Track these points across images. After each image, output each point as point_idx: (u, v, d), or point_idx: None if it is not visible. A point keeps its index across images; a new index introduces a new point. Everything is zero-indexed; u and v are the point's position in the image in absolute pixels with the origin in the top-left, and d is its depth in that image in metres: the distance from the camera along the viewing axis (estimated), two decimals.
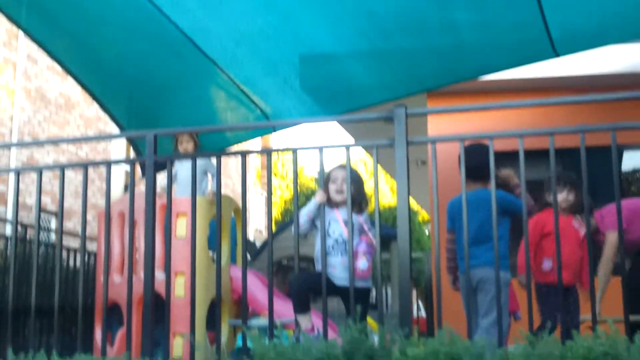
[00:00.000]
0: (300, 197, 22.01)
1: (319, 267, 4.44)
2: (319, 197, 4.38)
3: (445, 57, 6.10)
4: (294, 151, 4.01)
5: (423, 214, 23.42)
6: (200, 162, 6.47)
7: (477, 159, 4.14)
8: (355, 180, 4.53)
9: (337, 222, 4.51)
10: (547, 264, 5.03)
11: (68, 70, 6.81)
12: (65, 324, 6.22)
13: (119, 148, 13.61)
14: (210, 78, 6.65)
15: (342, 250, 4.48)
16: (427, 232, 23.88)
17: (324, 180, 4.45)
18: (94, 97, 7.18)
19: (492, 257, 3.74)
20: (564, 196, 5.23)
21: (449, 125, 7.50)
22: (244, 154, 4.12)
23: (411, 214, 3.85)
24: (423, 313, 15.55)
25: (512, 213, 4.50)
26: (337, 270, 4.44)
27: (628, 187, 7.88)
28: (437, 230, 3.88)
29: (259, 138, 13.70)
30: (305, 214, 4.53)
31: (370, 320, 5.14)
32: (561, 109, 6.97)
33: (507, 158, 4.60)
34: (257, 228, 19.88)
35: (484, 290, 4.41)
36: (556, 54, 5.92)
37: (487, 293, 4.38)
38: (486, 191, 4.31)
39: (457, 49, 5.91)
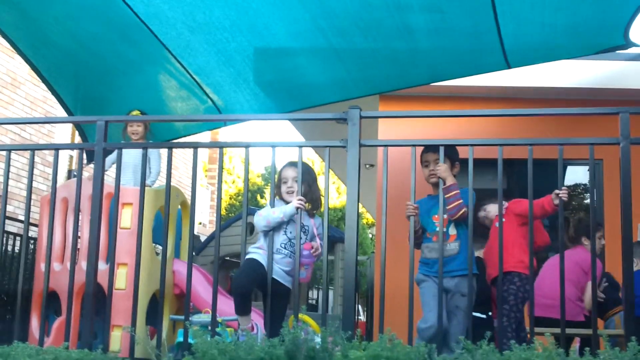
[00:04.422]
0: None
1: (256, 252, 4.42)
2: (297, 204, 4.18)
3: (400, 61, 6.16)
4: (246, 147, 3.98)
5: (367, 217, 23.54)
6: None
7: None
8: (308, 179, 4.46)
9: (294, 224, 4.40)
10: None
11: (16, 47, 6.62)
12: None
13: (64, 131, 13.32)
14: (162, 65, 6.56)
15: (291, 252, 4.41)
16: (370, 235, 24.01)
17: (276, 178, 4.39)
18: (42, 77, 7.00)
19: None
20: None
21: (399, 128, 7.55)
22: (195, 147, 4.06)
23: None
24: (362, 317, 15.60)
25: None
26: (278, 267, 4.37)
27: (569, 200, 8.04)
28: (384, 234, 3.90)
29: (208, 131, 13.62)
30: (264, 218, 4.32)
31: (311, 321, 5.12)
32: (512, 119, 7.08)
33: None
34: (200, 222, 19.71)
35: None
36: (508, 65, 6.04)
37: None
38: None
39: (412, 54, 5.98)
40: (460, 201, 4.24)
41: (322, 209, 4.51)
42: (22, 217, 9.06)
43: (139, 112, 6.58)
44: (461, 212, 4.22)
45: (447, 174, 4.28)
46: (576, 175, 8.24)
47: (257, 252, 4.41)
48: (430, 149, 4.42)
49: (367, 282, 10.55)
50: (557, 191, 4.09)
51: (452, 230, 4.29)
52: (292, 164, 4.48)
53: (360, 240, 22.39)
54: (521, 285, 4.82)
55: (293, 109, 7.03)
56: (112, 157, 5.61)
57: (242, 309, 4.28)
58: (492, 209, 5.31)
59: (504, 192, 3.97)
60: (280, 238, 4.36)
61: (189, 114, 7.31)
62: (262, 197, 25.31)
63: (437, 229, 4.18)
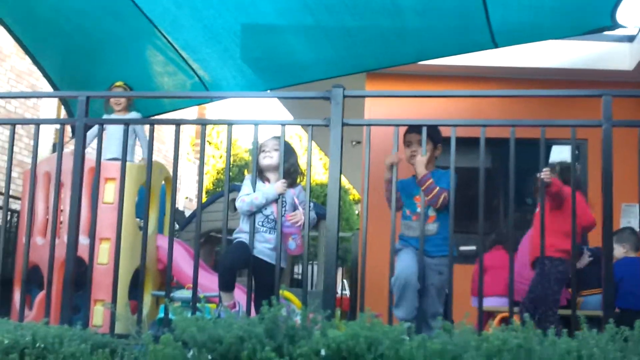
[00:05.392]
0: (233, 169, 21.87)
1: (239, 236, 4.46)
2: (279, 188, 4.26)
3: (388, 39, 6.13)
4: (229, 124, 3.96)
5: (354, 193, 23.54)
6: (129, 117, 6.35)
7: None
8: (287, 155, 4.47)
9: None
10: None
11: (0, 21, 6.54)
12: None
13: (49, 104, 13.23)
14: (149, 40, 6.51)
15: (270, 228, 4.45)
16: (356, 212, 24.01)
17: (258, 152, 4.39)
18: (27, 51, 6.94)
19: None
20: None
21: (386, 106, 7.54)
22: (178, 124, 4.04)
23: (342, 192, 3.86)
24: (347, 292, 15.65)
25: None
26: (263, 246, 4.41)
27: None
28: (365, 212, 3.92)
29: (195, 106, 13.57)
30: (247, 204, 4.35)
31: (294, 298, 5.14)
32: (497, 98, 7.09)
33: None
34: (187, 196, 19.67)
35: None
36: (495, 44, 6.03)
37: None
38: (438, 172, 4.38)
39: (399, 32, 5.95)
40: (436, 189, 4.25)
41: (303, 182, 4.53)
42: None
43: (122, 83, 6.51)
44: (441, 199, 4.24)
45: (420, 164, 4.30)
46: (562, 154, 8.27)
47: (240, 236, 4.45)
48: (413, 129, 4.41)
49: (351, 258, 10.59)
50: (538, 174, 4.11)
51: (432, 212, 4.31)
52: (275, 137, 4.54)
53: (347, 216, 22.41)
54: (550, 268, 4.89)
55: (280, 85, 7.00)
56: (94, 131, 5.56)
57: (226, 285, 4.30)
58: None
59: (487, 171, 3.98)
60: (257, 217, 4.37)
61: (176, 89, 7.27)
62: (249, 171, 25.31)
63: (419, 210, 4.22)
